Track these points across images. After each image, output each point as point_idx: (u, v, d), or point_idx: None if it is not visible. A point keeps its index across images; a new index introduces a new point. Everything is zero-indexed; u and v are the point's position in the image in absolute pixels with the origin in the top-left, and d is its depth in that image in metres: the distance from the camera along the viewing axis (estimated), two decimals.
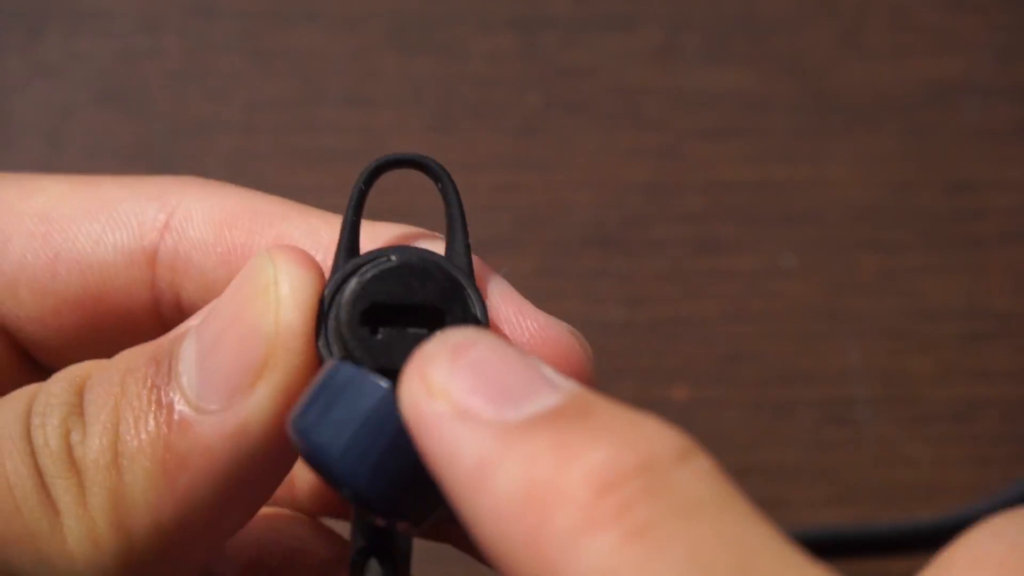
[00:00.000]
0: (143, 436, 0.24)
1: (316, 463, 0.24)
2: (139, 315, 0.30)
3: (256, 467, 0.24)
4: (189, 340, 0.25)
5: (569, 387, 0.22)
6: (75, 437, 0.24)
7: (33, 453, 0.24)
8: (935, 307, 0.55)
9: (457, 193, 0.28)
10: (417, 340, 0.24)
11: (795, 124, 0.58)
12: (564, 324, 0.28)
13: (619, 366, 0.54)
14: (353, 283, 0.25)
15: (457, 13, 0.60)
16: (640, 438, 0.21)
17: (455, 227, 0.28)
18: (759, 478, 0.52)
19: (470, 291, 0.26)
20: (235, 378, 0.24)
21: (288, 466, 0.26)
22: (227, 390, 0.24)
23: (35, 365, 0.31)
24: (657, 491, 0.20)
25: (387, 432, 0.23)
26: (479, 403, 0.21)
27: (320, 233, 0.29)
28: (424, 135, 0.57)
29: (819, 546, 0.50)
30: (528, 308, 0.27)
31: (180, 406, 0.24)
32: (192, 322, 0.26)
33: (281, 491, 0.30)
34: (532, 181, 0.57)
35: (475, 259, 0.28)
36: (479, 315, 0.26)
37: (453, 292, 0.26)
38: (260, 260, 0.25)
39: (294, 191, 0.56)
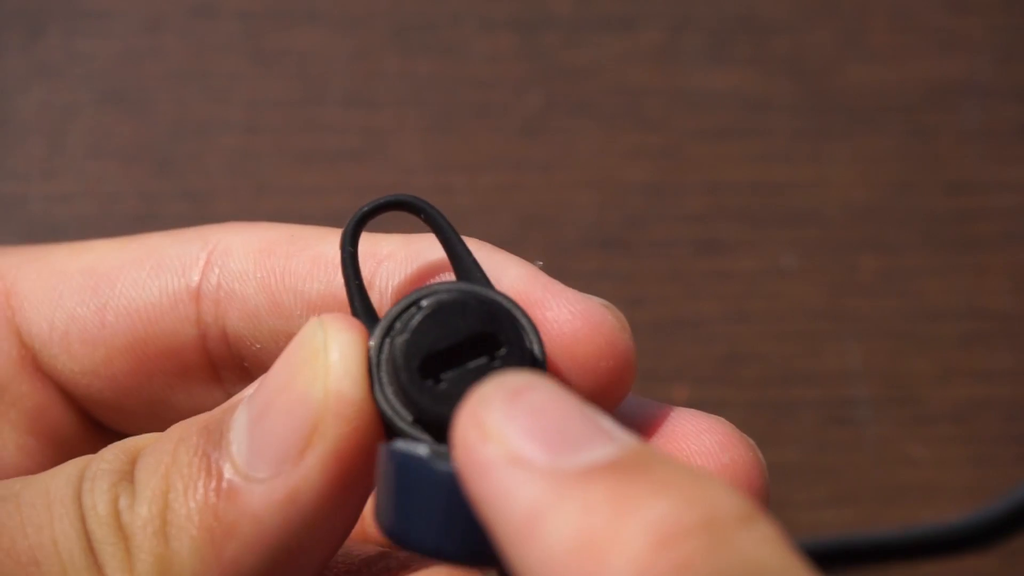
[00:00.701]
0: (191, 504, 0.24)
1: (402, 545, 0.24)
2: (187, 353, 0.30)
3: (307, 535, 0.24)
4: (241, 410, 0.25)
5: (628, 440, 0.21)
6: (123, 503, 0.24)
7: (83, 517, 0.24)
8: (935, 307, 0.55)
9: (444, 218, 0.28)
10: (480, 371, 0.24)
11: (796, 125, 0.58)
12: (599, 302, 0.27)
13: None
14: (399, 341, 0.25)
15: (458, 13, 0.60)
16: (703, 496, 0.20)
17: (457, 251, 0.28)
18: None
19: (512, 308, 0.26)
20: (285, 446, 0.24)
21: (344, 534, 0.25)
22: (276, 458, 0.24)
23: (96, 428, 0.31)
24: (719, 551, 0.19)
25: (439, 494, 0.23)
26: (534, 449, 0.21)
27: (361, 247, 0.29)
28: (425, 135, 0.57)
29: (823, 553, 0.50)
30: (563, 291, 0.27)
31: (229, 474, 0.24)
32: (246, 392, 0.26)
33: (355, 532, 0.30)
34: (533, 181, 0.57)
35: (502, 252, 0.28)
36: (530, 334, 0.26)
37: (494, 315, 0.26)
38: (310, 327, 0.25)
39: (295, 191, 0.56)
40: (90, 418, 0.31)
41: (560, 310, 0.27)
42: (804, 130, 0.58)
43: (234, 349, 0.30)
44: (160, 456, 0.25)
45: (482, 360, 0.25)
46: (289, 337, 0.28)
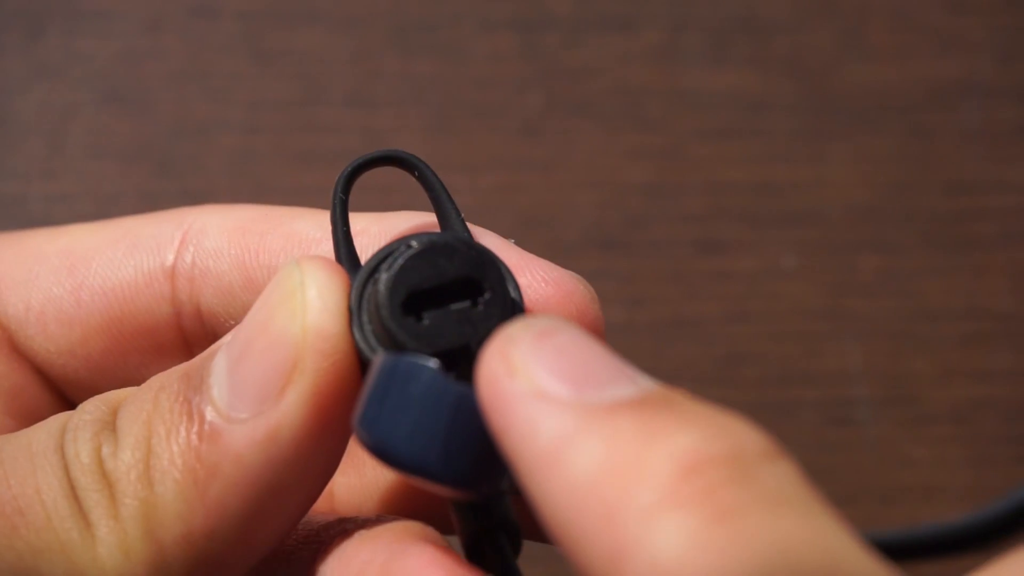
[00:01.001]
0: (174, 447, 0.24)
1: (385, 456, 0.24)
2: (162, 332, 0.30)
3: (289, 475, 0.24)
4: (220, 355, 0.25)
5: (650, 383, 0.22)
6: (106, 450, 0.24)
7: (65, 467, 0.24)
8: (935, 308, 0.55)
9: (436, 176, 0.29)
10: (463, 315, 0.25)
11: (796, 125, 0.58)
12: (573, 274, 0.28)
13: None
14: (384, 277, 0.25)
15: (458, 14, 0.60)
16: (729, 431, 0.21)
17: (445, 208, 0.28)
18: None
19: (496, 260, 0.26)
20: (264, 385, 0.24)
21: (326, 476, 0.25)
22: (256, 398, 0.24)
23: (72, 408, 0.31)
24: (744, 481, 0.20)
25: (444, 410, 0.23)
26: (561, 386, 0.21)
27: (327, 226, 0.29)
28: (425, 136, 0.57)
29: None
30: (538, 260, 0.28)
31: (211, 416, 0.24)
32: (224, 339, 0.26)
33: (321, 504, 0.30)
34: (533, 182, 0.57)
35: (474, 226, 0.28)
36: (512, 285, 0.26)
37: (481, 261, 0.26)
38: (287, 268, 0.25)
39: (295, 191, 0.56)
40: (67, 398, 0.31)
41: (534, 276, 0.28)
42: (804, 130, 0.58)
43: (208, 326, 0.30)
44: (141, 404, 0.25)
45: (464, 303, 0.25)
46: None
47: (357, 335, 0.25)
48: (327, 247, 0.28)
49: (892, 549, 0.52)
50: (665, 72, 0.59)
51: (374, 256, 0.26)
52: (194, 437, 0.24)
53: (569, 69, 0.59)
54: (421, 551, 0.24)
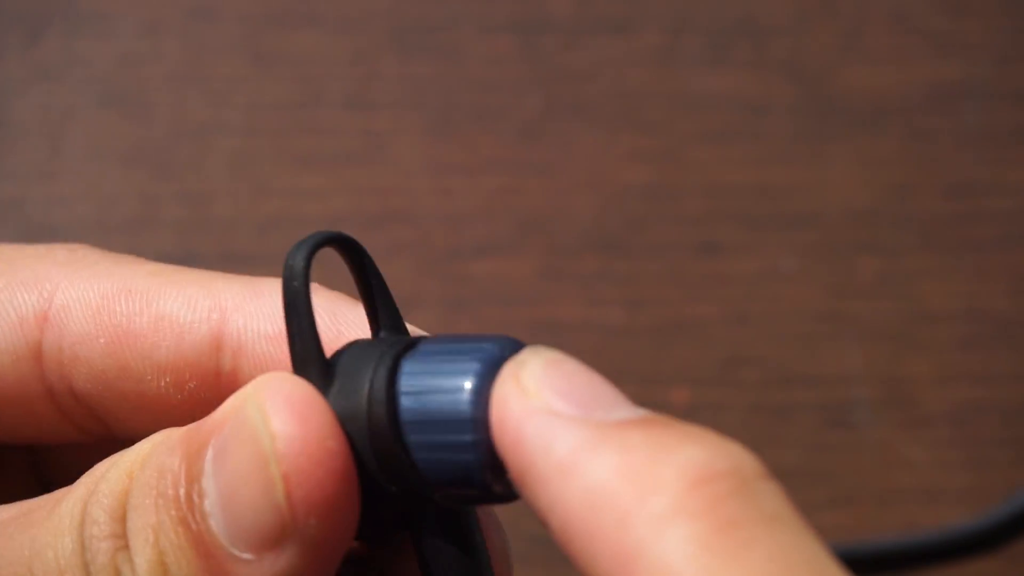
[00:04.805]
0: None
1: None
2: (37, 405, 0.29)
3: None
4: (208, 475, 0.24)
5: (648, 411, 0.24)
6: (126, 572, 0.25)
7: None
8: (935, 310, 0.55)
9: (374, 265, 0.26)
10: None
11: (795, 127, 0.58)
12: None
13: (619, 369, 0.54)
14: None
15: (457, 16, 0.60)
16: (729, 450, 0.22)
17: (386, 298, 0.26)
18: None
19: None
20: (260, 535, 0.24)
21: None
22: (256, 544, 0.24)
23: None
24: (746, 495, 0.22)
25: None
26: (571, 406, 0.22)
27: (199, 303, 0.28)
28: (424, 138, 0.57)
29: None
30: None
31: (216, 549, 0.24)
32: (210, 430, 0.25)
33: None
34: (532, 184, 0.57)
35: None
36: None
37: None
38: (249, 413, 0.23)
39: (294, 194, 0.56)
40: None
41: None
42: (803, 132, 0.58)
43: (84, 404, 0.29)
44: (146, 519, 0.25)
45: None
46: (142, 398, 0.28)
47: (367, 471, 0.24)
48: (200, 331, 0.28)
49: (893, 555, 0.52)
50: (665, 74, 0.59)
51: (359, 369, 0.24)
52: (206, 569, 0.24)
53: (568, 71, 0.59)
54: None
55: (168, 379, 0.28)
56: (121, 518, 0.25)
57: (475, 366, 0.23)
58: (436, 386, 0.23)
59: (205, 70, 0.58)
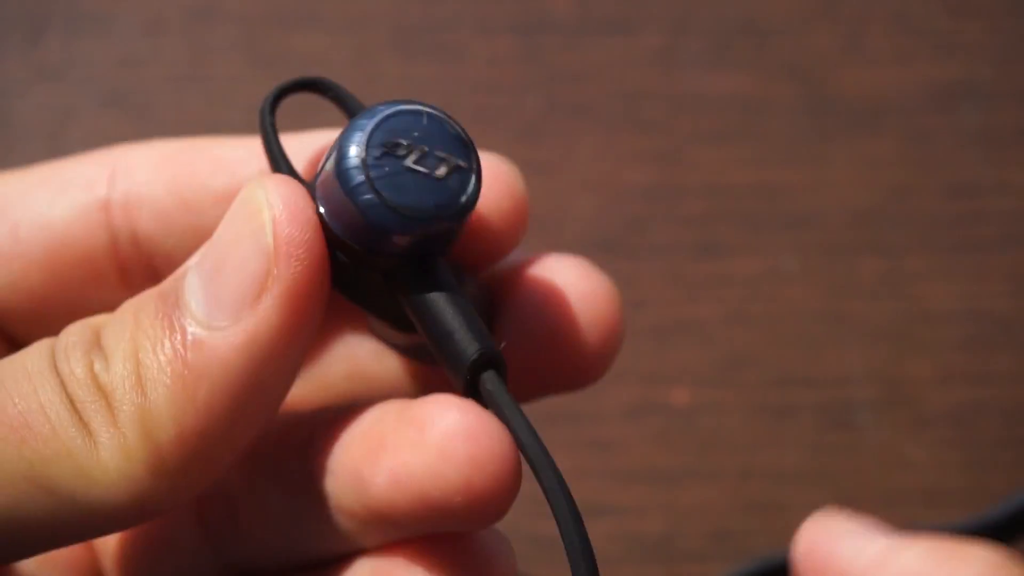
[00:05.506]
0: (162, 357, 0.26)
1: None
2: (99, 260, 0.32)
3: (269, 371, 0.27)
4: (192, 273, 0.27)
5: None
6: (99, 366, 0.27)
7: (63, 384, 0.27)
8: (935, 311, 0.55)
9: (351, 95, 0.31)
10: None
11: (796, 128, 0.58)
12: (497, 156, 0.32)
13: (619, 369, 0.53)
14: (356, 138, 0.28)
15: (458, 17, 0.60)
16: (1006, 563, 0.30)
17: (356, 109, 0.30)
18: (759, 481, 0.52)
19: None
20: (240, 295, 0.26)
21: (298, 367, 0.28)
22: (234, 307, 0.26)
23: (7, 346, 0.33)
24: None
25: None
26: (872, 537, 0.32)
27: (253, 147, 0.32)
28: None
29: None
30: None
31: (192, 328, 0.27)
32: (191, 261, 0.28)
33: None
34: (533, 184, 0.57)
35: None
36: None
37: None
38: (250, 187, 0.27)
39: None
40: (6, 334, 0.33)
41: None
42: (804, 133, 0.58)
43: (144, 251, 0.32)
44: (123, 325, 0.27)
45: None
46: (200, 231, 0.31)
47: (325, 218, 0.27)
48: (254, 166, 0.32)
49: None
50: (665, 75, 0.59)
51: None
52: (179, 347, 0.26)
53: (569, 72, 0.59)
54: (433, 397, 0.27)
55: (224, 208, 0.30)
56: (95, 332, 0.28)
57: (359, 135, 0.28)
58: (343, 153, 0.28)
59: (206, 70, 0.58)
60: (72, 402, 0.27)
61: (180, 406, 0.26)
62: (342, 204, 0.27)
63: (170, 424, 0.26)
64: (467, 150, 0.27)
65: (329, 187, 0.27)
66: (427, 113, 0.28)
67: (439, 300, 0.27)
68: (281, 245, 0.26)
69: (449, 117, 0.28)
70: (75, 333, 0.28)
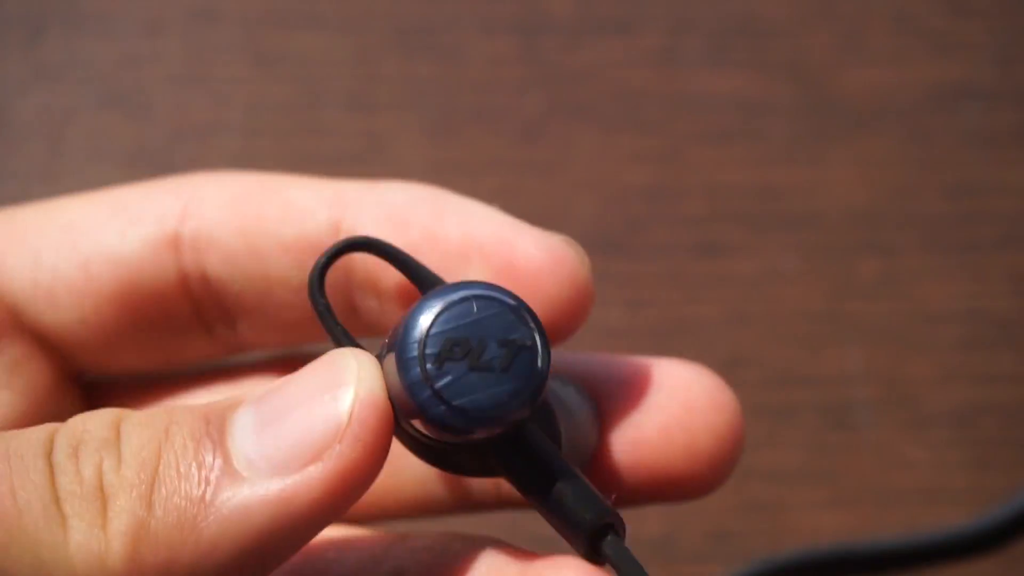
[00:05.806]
0: (183, 482, 0.25)
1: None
2: (170, 298, 0.32)
3: (284, 535, 0.25)
4: (246, 409, 0.26)
5: None
6: (107, 464, 0.25)
7: (51, 473, 0.25)
8: (936, 311, 0.55)
9: (405, 253, 0.29)
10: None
11: (796, 128, 0.58)
12: (564, 239, 0.31)
13: None
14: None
15: (458, 17, 0.60)
16: None
17: (422, 271, 0.29)
18: (759, 481, 0.52)
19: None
20: (294, 452, 0.25)
21: (314, 535, 0.26)
22: (283, 461, 0.25)
23: (68, 379, 0.32)
24: None
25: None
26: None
27: (322, 192, 0.31)
28: (425, 139, 0.57)
29: (823, 561, 0.50)
30: (528, 227, 0.31)
31: (231, 463, 0.25)
32: (250, 394, 0.26)
33: None
34: (533, 185, 0.57)
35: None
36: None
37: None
38: (342, 356, 0.26)
39: None
40: (64, 369, 0.32)
41: (528, 246, 0.31)
42: (804, 133, 0.58)
43: (214, 292, 0.32)
44: (152, 432, 0.26)
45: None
46: (266, 278, 0.31)
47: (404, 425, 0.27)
48: (321, 217, 0.31)
49: (893, 555, 0.52)
50: (665, 75, 0.59)
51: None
52: (208, 476, 0.25)
53: (569, 72, 0.59)
54: (560, 561, 0.26)
55: (291, 258, 0.30)
56: (114, 428, 0.26)
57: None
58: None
59: (206, 71, 0.58)
60: (56, 493, 0.25)
61: (183, 536, 0.25)
62: (414, 410, 0.26)
63: (163, 549, 0.25)
64: (527, 328, 0.26)
65: (397, 388, 0.26)
66: (478, 298, 0.26)
67: (539, 466, 0.27)
68: (355, 424, 0.25)
69: (502, 292, 0.27)
70: (93, 426, 0.26)
